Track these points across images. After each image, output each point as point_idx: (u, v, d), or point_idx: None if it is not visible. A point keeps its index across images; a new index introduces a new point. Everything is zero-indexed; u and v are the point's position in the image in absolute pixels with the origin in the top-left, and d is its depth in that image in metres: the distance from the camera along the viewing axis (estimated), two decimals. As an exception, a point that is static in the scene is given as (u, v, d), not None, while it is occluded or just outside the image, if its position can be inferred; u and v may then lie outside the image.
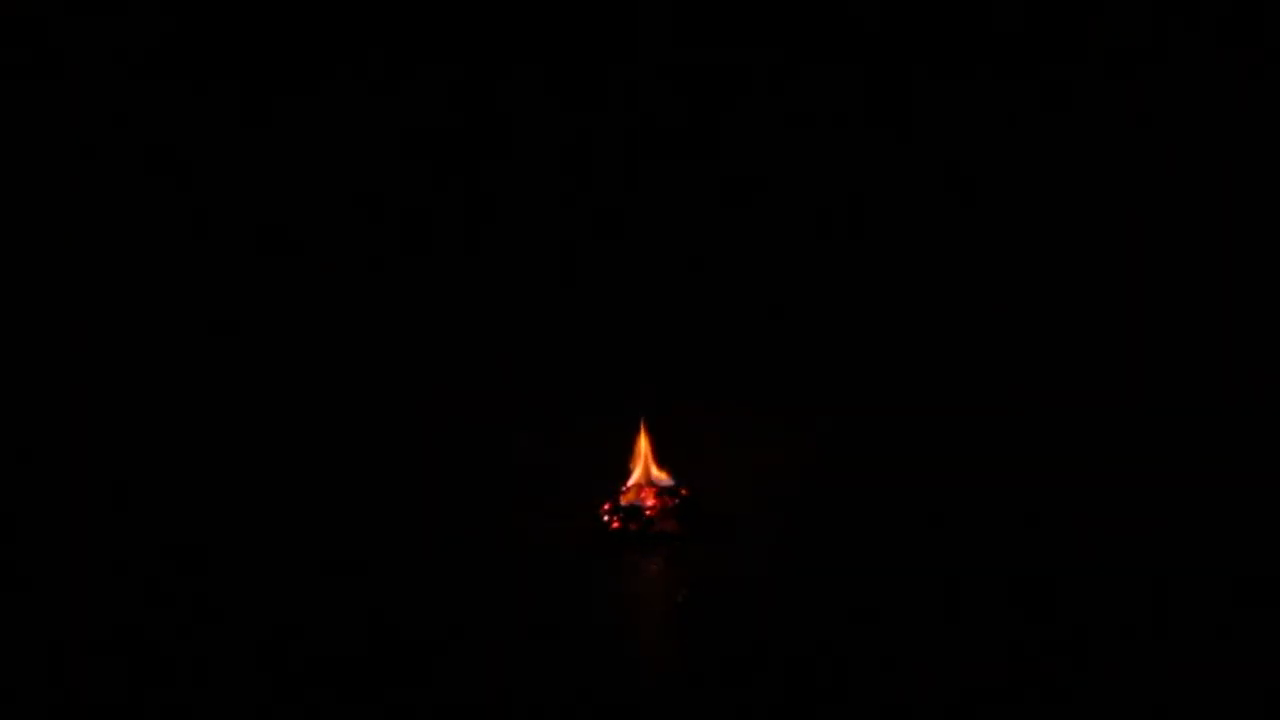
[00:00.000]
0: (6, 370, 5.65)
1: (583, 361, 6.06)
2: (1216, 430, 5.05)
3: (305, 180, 6.24)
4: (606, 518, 4.51)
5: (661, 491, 4.55)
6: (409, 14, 5.90)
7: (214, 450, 5.23)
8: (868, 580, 4.10)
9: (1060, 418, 5.24)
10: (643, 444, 4.63)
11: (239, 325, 6.11)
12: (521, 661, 3.71)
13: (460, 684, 3.60)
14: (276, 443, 5.33)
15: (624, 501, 4.52)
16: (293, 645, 3.80)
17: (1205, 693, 3.44)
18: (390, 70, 6.00)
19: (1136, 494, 4.59)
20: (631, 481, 4.58)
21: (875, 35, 5.80)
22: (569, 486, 4.75)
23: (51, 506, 4.74)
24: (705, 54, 5.80)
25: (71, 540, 4.48)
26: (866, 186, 6.19)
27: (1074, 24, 5.78)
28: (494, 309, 6.23)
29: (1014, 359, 5.82)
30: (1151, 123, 5.79)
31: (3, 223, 5.98)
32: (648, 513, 4.49)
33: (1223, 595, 3.90)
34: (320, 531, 4.55)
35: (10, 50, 5.74)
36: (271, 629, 3.90)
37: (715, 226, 6.27)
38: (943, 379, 5.73)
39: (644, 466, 4.61)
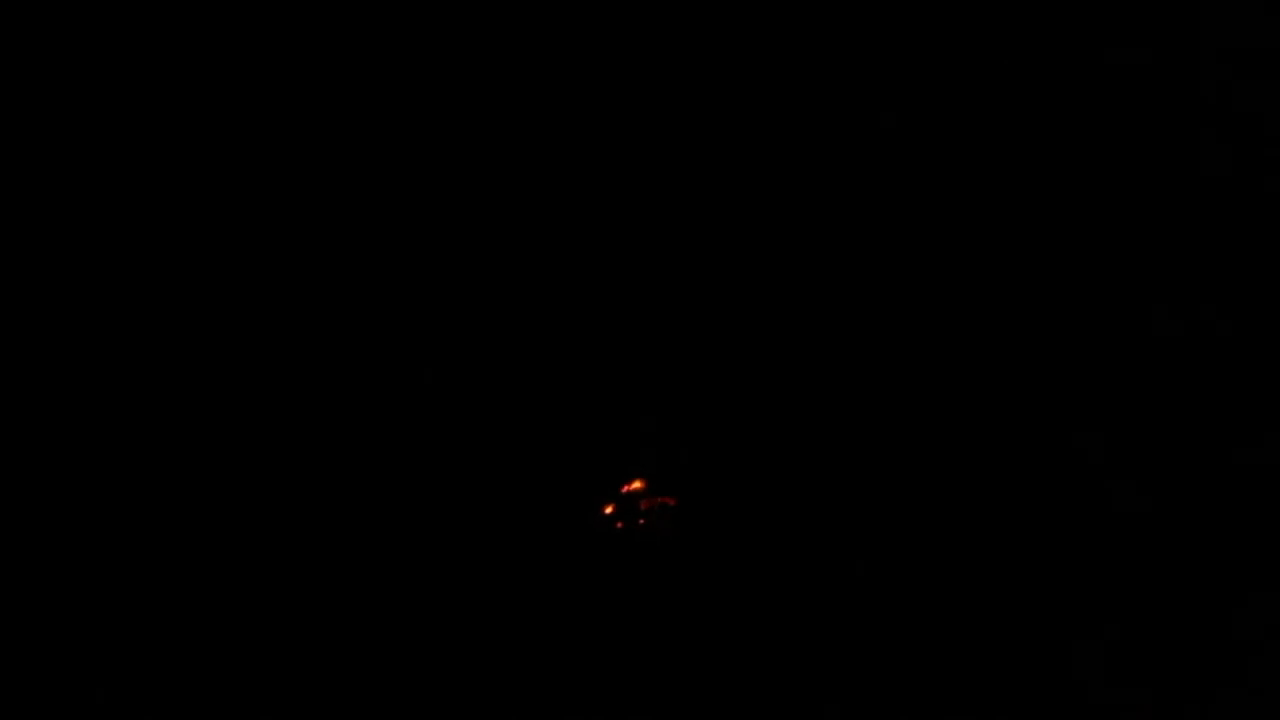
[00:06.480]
0: None
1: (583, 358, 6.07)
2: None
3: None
4: (607, 516, 4.53)
5: (659, 491, 4.58)
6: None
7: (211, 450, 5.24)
8: (867, 580, 4.13)
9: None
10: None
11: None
12: (519, 659, 3.73)
13: (457, 682, 3.62)
14: (273, 443, 5.34)
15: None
16: (290, 646, 3.83)
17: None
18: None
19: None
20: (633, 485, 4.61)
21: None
22: (567, 485, 4.77)
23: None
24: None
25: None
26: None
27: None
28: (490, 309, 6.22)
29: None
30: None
31: None
32: (644, 517, 4.52)
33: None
34: (316, 531, 4.57)
35: None
36: (269, 629, 3.92)
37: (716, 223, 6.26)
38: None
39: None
